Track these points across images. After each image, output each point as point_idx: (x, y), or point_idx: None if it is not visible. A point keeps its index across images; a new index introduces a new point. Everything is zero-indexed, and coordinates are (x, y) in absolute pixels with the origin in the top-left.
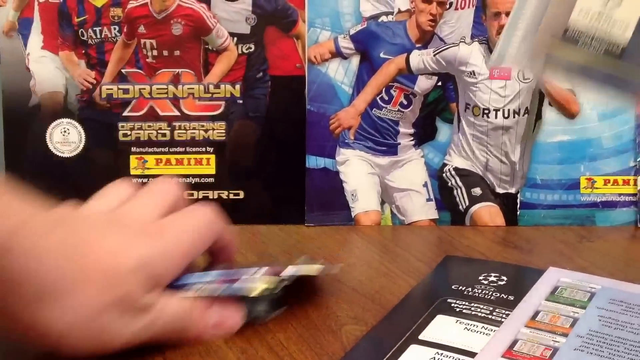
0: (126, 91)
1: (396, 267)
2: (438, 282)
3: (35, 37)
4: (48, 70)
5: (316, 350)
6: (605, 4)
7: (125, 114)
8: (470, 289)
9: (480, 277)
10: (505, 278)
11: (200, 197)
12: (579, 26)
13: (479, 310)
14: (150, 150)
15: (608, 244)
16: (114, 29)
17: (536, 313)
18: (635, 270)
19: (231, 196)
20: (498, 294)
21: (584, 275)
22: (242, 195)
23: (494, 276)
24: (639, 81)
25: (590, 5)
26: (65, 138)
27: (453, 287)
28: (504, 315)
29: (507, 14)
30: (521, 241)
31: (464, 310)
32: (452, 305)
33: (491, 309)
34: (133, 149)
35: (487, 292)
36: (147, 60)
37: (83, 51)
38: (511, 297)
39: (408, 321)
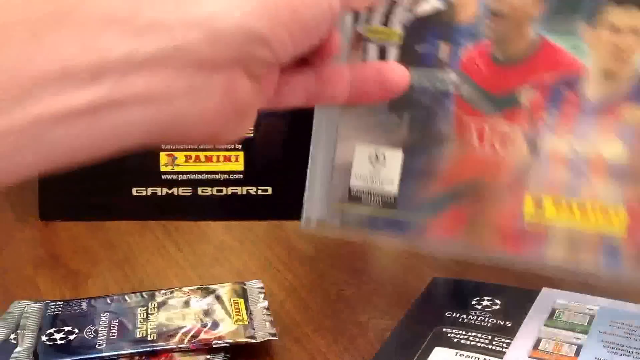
0: None
1: (421, 262)
2: (430, 309)
3: None
4: None
5: (343, 343)
6: (373, 168)
7: None
8: (465, 316)
9: (473, 302)
10: (498, 302)
11: (229, 193)
12: (359, 187)
13: (477, 340)
14: (179, 147)
15: None
16: None
17: (538, 341)
18: None
19: (259, 192)
20: (494, 320)
21: (580, 295)
22: (270, 191)
23: (487, 300)
24: (413, 223)
25: (363, 170)
26: None
27: (447, 314)
28: (504, 345)
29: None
30: None
31: (462, 341)
32: (449, 335)
33: (490, 337)
34: (163, 146)
35: (483, 318)
36: None
37: None
38: (509, 323)
39: (406, 356)
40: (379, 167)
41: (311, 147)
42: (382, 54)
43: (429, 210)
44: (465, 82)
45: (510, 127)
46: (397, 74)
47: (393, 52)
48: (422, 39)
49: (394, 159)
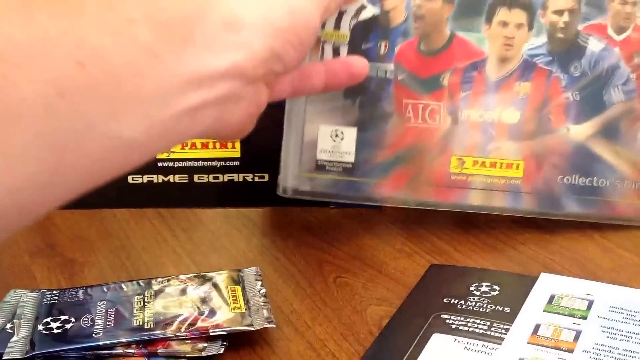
0: None
1: (419, 248)
2: (428, 296)
3: None
4: None
5: (341, 330)
6: (333, 143)
7: None
8: (463, 302)
9: (472, 288)
10: (497, 287)
11: (225, 180)
12: (324, 159)
13: (476, 325)
14: None
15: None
16: None
17: (537, 327)
18: None
19: (256, 179)
20: (493, 306)
21: (578, 280)
22: (267, 177)
23: (486, 286)
24: (368, 184)
25: (326, 145)
26: None
27: (445, 300)
28: (503, 331)
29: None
30: (544, 220)
31: (460, 327)
32: (447, 321)
33: (488, 323)
34: None
35: (481, 304)
36: None
37: None
38: (507, 309)
39: (404, 343)
40: (338, 142)
41: (284, 129)
42: (336, 52)
43: (380, 173)
44: (400, 71)
45: (436, 104)
46: (360, 65)
47: (344, 50)
48: (365, 39)
49: (350, 135)
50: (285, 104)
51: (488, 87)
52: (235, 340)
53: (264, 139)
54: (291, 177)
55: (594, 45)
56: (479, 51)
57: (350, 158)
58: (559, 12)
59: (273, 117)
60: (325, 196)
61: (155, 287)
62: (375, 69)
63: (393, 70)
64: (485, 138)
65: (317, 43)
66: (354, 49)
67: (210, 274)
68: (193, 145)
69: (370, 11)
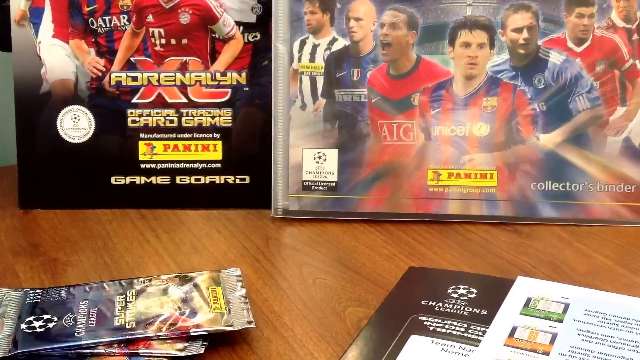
0: (135, 79)
1: (398, 251)
2: (406, 298)
3: (46, 26)
4: (59, 58)
5: (320, 331)
6: (317, 164)
7: (134, 100)
8: (440, 304)
9: (449, 290)
10: (474, 290)
11: (207, 182)
12: (309, 180)
13: (453, 327)
14: (158, 136)
15: (605, 228)
16: (123, 18)
17: (513, 329)
18: (630, 250)
19: (237, 181)
20: (470, 309)
21: (555, 284)
22: (248, 180)
23: (463, 288)
24: (351, 200)
25: (310, 167)
26: (76, 124)
27: (423, 302)
28: (480, 333)
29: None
30: (521, 226)
31: (438, 329)
32: (425, 323)
33: (466, 326)
34: (142, 135)
35: (459, 306)
36: (155, 48)
37: (93, 40)
38: (484, 312)
39: (382, 344)
40: (322, 163)
41: (272, 155)
42: (313, 82)
43: (362, 189)
44: (374, 94)
45: (409, 122)
46: None
47: (320, 80)
48: (339, 68)
49: (332, 156)
50: (272, 130)
51: (457, 103)
52: (216, 340)
53: (246, 142)
54: (281, 198)
55: (555, 57)
56: (445, 71)
57: (334, 177)
58: (518, 30)
59: (255, 121)
60: (313, 214)
61: (137, 287)
62: (350, 94)
63: (367, 95)
64: (458, 151)
65: (295, 75)
66: (329, 77)
67: (191, 274)
68: (175, 148)
69: (341, 43)
